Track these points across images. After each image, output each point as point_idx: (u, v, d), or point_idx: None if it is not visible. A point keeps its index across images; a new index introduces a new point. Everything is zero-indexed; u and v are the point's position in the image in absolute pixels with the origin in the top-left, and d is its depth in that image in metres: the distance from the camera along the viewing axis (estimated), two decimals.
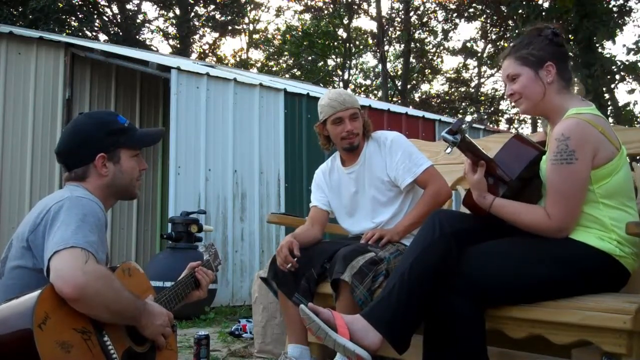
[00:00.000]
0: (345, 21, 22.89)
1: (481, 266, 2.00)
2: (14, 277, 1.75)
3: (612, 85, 15.68)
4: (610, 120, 15.30)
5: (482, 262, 2.01)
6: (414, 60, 22.79)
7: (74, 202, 1.76)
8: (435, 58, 24.05)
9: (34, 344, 1.46)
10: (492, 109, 22.91)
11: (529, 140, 2.22)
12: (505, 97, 2.42)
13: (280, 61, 25.58)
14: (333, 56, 24.73)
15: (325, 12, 23.25)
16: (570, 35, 14.70)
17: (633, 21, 17.97)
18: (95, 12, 18.66)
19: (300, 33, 24.07)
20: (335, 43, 24.05)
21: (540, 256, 1.99)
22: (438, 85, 28.40)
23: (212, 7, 20.75)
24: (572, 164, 1.96)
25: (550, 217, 2.01)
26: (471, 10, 20.16)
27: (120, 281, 1.74)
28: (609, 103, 15.30)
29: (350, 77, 24.96)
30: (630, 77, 16.44)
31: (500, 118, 23.46)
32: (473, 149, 2.10)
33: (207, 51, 22.17)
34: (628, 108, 16.94)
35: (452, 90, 24.50)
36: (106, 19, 19.19)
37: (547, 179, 2.04)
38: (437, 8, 21.75)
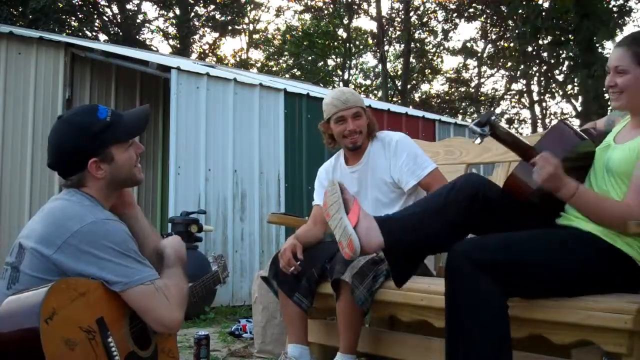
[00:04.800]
0: (345, 21, 22.89)
1: (515, 253, 1.91)
2: (33, 283, 1.68)
3: None
4: None
5: (518, 250, 1.92)
6: (414, 60, 22.80)
7: (102, 230, 1.75)
8: (435, 58, 24.07)
9: (39, 338, 1.46)
10: (492, 109, 22.91)
11: (573, 127, 2.17)
12: (605, 84, 2.40)
13: (280, 61, 25.59)
14: (333, 56, 24.73)
15: (325, 12, 23.26)
16: (570, 35, 14.71)
17: (633, 21, 17.94)
18: (95, 12, 18.68)
19: (300, 33, 24.07)
20: (335, 43, 24.04)
21: (574, 254, 1.92)
22: (438, 85, 28.45)
23: (212, 7, 20.77)
24: None
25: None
26: (471, 10, 20.18)
27: None
28: (609, 103, 15.29)
29: (350, 77, 24.97)
30: None
31: (501, 118, 23.47)
32: (509, 137, 2.01)
33: (207, 51, 22.18)
34: None
35: (452, 90, 24.51)
36: (106, 19, 19.20)
37: (636, 174, 1.94)
38: (437, 8, 21.78)
